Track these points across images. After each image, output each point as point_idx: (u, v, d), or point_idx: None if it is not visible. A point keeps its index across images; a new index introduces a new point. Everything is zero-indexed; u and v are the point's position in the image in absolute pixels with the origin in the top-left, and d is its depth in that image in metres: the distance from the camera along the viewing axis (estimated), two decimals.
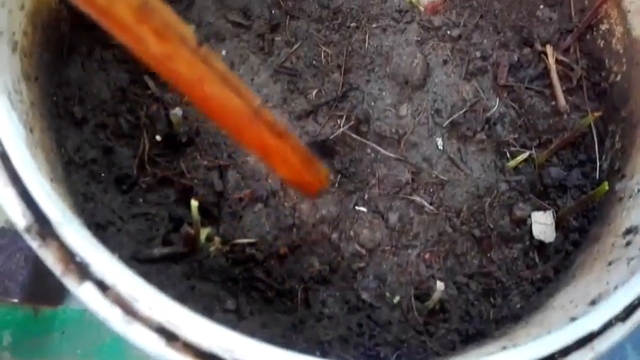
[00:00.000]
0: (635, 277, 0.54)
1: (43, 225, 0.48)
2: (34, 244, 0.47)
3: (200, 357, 0.44)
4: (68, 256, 0.48)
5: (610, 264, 0.65)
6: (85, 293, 0.47)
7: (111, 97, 0.78)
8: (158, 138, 0.76)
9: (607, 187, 0.68)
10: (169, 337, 0.44)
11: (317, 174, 0.51)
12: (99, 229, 0.69)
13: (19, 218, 0.47)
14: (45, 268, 0.92)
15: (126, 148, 0.76)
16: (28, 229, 0.47)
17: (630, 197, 0.73)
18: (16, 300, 0.86)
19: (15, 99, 0.58)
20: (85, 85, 0.78)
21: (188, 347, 0.44)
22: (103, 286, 0.47)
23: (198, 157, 0.78)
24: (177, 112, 0.74)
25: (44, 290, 0.90)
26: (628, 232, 0.67)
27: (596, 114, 0.76)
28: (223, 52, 0.83)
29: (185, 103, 0.79)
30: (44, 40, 0.72)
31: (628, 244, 0.65)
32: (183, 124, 0.77)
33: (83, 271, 0.47)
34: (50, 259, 0.47)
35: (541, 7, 0.91)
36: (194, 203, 0.62)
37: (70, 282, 0.47)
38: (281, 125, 0.45)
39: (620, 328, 0.50)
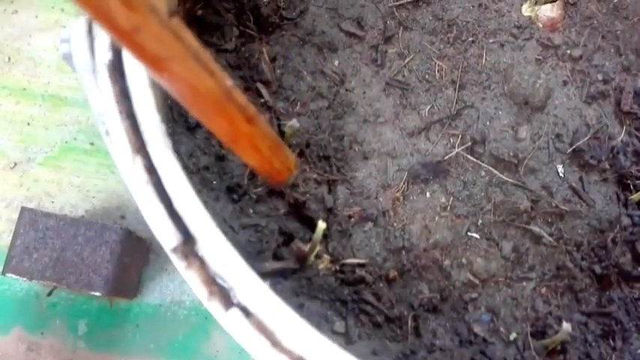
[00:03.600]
0: None
1: (189, 244, 0.46)
2: (180, 265, 0.45)
3: None
4: (211, 278, 0.46)
5: None
6: (232, 321, 0.45)
7: None
8: None
9: None
10: None
11: (286, 161, 0.47)
12: None
13: (169, 238, 0.45)
14: (127, 262, 0.91)
15: (237, 157, 0.74)
16: (175, 250, 0.46)
17: None
18: (98, 293, 0.86)
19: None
20: None
21: None
22: (246, 313, 0.45)
23: (308, 169, 0.75)
24: (294, 123, 0.72)
25: (122, 283, 0.90)
26: None
27: None
28: (336, 63, 0.81)
29: (297, 113, 0.77)
30: None
31: None
32: (296, 135, 0.74)
33: (227, 296, 0.45)
34: (195, 281, 0.46)
35: None
36: (322, 225, 0.59)
37: (215, 308, 0.45)
38: (251, 109, 0.40)
39: None
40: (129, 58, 0.49)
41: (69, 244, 0.86)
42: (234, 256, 0.45)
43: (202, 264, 0.46)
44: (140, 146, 0.47)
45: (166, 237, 0.45)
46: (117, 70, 0.48)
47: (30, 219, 0.86)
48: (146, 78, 0.50)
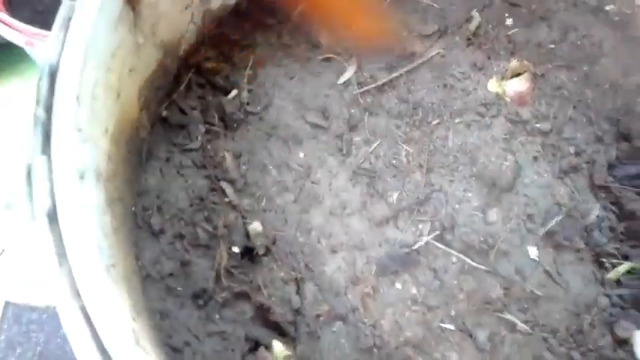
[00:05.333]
0: None
1: None
2: None
3: None
4: None
5: None
6: None
7: (189, 205, 0.77)
8: (235, 249, 0.74)
9: None
10: None
11: None
12: (176, 352, 0.68)
13: None
14: None
15: (203, 260, 0.74)
16: None
17: None
18: None
19: (100, 238, 0.57)
20: (163, 192, 0.77)
21: None
22: None
23: (275, 267, 0.75)
24: (255, 226, 0.72)
25: None
26: None
27: None
28: (301, 155, 0.81)
29: (263, 209, 0.77)
30: (126, 153, 0.72)
31: None
32: (261, 235, 0.74)
33: None
34: None
35: (639, 100, 0.84)
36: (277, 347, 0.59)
37: None
38: None
39: None
40: (66, 206, 0.50)
41: (52, 337, 0.87)
42: None
43: None
44: (76, 293, 0.47)
45: None
46: (54, 217, 0.49)
47: (13, 313, 0.87)
48: (86, 224, 0.51)
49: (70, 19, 0.55)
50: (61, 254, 0.49)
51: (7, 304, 0.87)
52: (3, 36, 0.93)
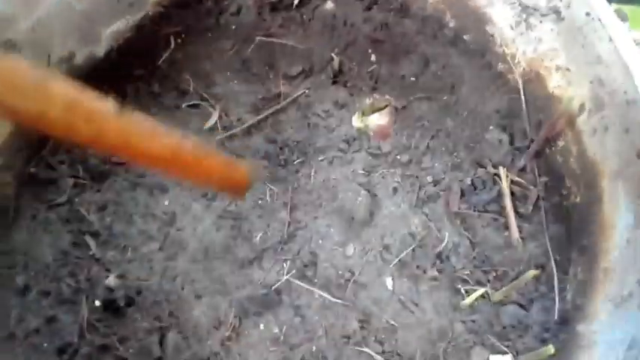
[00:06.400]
0: None
1: None
2: None
3: None
4: None
5: None
6: None
7: (53, 261, 0.78)
8: (97, 303, 0.76)
9: (552, 351, 0.63)
10: None
11: (244, 174, 0.51)
12: None
13: None
14: None
15: (68, 315, 0.75)
16: None
17: (592, 346, 0.68)
18: None
19: None
20: (29, 250, 0.78)
21: None
22: None
23: (139, 318, 0.76)
24: (111, 280, 0.74)
25: None
26: None
27: (534, 273, 0.72)
28: (166, 203, 0.83)
29: (128, 260, 0.79)
30: None
31: None
32: (121, 287, 0.76)
33: None
34: None
35: (490, 127, 0.88)
36: None
37: None
38: (205, 148, 0.45)
39: None
40: None
41: None
42: None
43: None
44: None
45: None
46: None
47: None
48: None
49: None
50: None
51: None
52: None
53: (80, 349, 0.74)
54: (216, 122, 0.88)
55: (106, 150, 0.41)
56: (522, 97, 0.88)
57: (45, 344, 0.74)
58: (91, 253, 0.79)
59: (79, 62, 0.87)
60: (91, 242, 0.79)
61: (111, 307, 0.76)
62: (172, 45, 0.93)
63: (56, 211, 0.81)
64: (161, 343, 0.75)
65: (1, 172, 0.78)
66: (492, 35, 0.92)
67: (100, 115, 0.38)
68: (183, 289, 0.78)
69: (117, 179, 0.84)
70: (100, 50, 0.90)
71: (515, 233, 0.79)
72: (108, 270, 0.78)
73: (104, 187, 0.84)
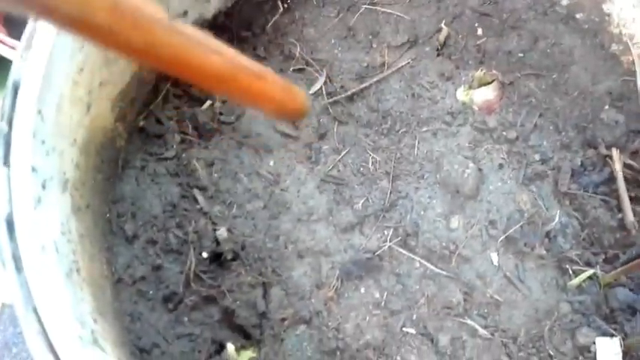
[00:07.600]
0: None
1: None
2: None
3: None
4: None
5: None
6: None
7: (162, 212, 0.80)
8: (204, 255, 0.77)
9: None
10: None
11: (299, 100, 0.50)
12: (143, 353, 0.71)
13: None
14: None
15: (174, 265, 0.77)
16: None
17: None
18: None
19: (62, 243, 0.60)
20: (137, 200, 0.80)
21: None
22: None
23: (243, 272, 0.77)
24: (222, 232, 0.75)
25: None
26: None
27: None
28: (271, 163, 0.84)
29: (233, 216, 0.80)
30: (98, 162, 0.76)
31: None
32: (229, 241, 0.77)
33: None
34: None
35: (606, 107, 0.85)
36: (230, 347, 0.61)
37: None
38: (259, 67, 0.44)
39: None
40: (24, 214, 0.53)
41: None
42: None
43: None
44: (29, 296, 0.51)
45: None
46: (12, 223, 0.52)
47: (9, 315, 0.91)
48: (44, 230, 0.55)
49: (33, 38, 0.58)
50: (18, 258, 0.52)
51: (3, 305, 0.91)
52: (1, 54, 0.97)
53: (185, 298, 0.75)
54: (321, 87, 0.88)
55: (158, 65, 0.38)
56: (639, 80, 0.85)
57: (151, 291, 0.76)
58: (198, 207, 0.80)
59: (189, 22, 0.88)
60: (199, 196, 0.81)
61: (217, 260, 0.77)
62: (280, 10, 0.93)
63: (164, 165, 0.83)
64: (264, 297, 0.75)
65: (116, 122, 0.80)
66: (609, 15, 0.89)
67: (149, 21, 0.35)
68: (286, 247, 0.79)
69: (223, 137, 0.85)
70: (209, 12, 0.91)
71: (630, 216, 0.77)
72: (214, 224, 0.79)
73: (211, 144, 0.85)
